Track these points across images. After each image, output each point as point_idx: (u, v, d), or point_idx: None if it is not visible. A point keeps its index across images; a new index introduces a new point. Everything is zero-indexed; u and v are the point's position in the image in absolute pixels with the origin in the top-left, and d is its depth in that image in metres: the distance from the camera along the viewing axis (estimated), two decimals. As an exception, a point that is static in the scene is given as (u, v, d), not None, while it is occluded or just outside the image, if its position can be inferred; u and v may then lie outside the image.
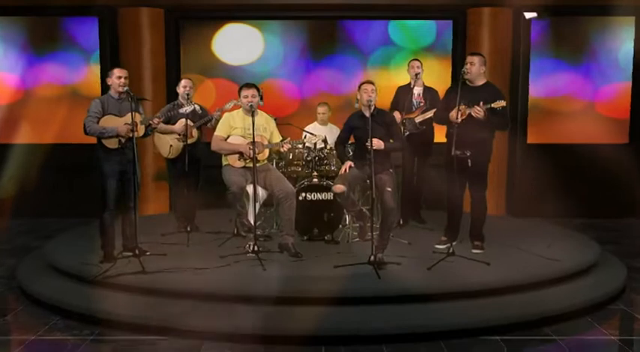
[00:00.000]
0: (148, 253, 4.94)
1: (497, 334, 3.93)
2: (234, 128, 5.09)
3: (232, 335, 3.83)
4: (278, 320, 3.95)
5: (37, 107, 7.63)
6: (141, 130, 4.90)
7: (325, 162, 5.75)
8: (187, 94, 5.74)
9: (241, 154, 5.05)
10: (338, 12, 7.64)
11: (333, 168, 5.75)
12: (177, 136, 5.68)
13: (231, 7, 7.50)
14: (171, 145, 5.74)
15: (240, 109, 5.16)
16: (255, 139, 4.88)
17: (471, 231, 5.20)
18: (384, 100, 5.88)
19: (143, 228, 5.03)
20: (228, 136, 5.10)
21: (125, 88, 4.81)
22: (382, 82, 6.74)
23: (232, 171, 5.03)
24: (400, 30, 7.68)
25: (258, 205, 4.99)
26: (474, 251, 5.08)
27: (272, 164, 5.62)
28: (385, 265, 4.61)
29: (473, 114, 4.81)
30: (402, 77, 6.36)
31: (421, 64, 6.05)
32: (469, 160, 4.81)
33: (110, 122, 4.78)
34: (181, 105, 5.57)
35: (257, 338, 3.80)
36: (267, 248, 5.08)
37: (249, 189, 5.00)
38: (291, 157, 5.92)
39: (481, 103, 4.80)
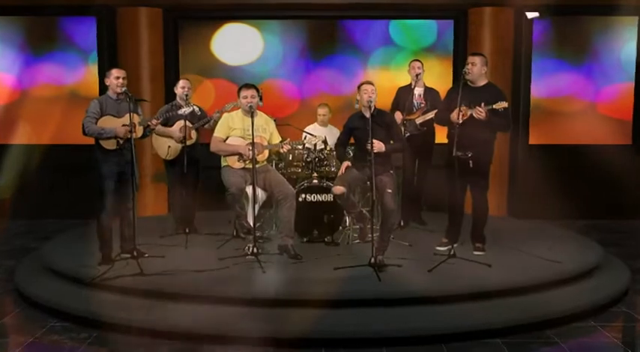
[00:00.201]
0: (146, 255, 4.91)
1: (498, 337, 3.91)
2: (234, 129, 5.06)
3: (231, 337, 3.81)
4: (277, 322, 3.93)
5: (34, 108, 7.60)
6: (139, 131, 4.88)
7: (325, 163, 5.72)
8: (186, 95, 5.71)
9: (240, 155, 5.02)
10: (338, 11, 7.61)
11: (333, 170, 5.72)
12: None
13: (230, 7, 7.48)
14: (169, 146, 5.71)
15: (240, 110, 5.13)
16: (255, 140, 4.85)
17: (472, 232, 5.18)
18: (385, 101, 5.85)
19: (141, 230, 5.00)
20: (228, 137, 5.07)
21: (123, 89, 4.78)
22: (383, 83, 6.74)
23: (231, 173, 4.99)
24: (401, 30, 7.65)
25: (257, 207, 4.97)
26: (476, 253, 5.05)
27: (271, 165, 5.59)
28: (386, 267, 4.59)
29: (474, 115, 4.78)
30: (403, 78, 6.33)
31: (422, 64, 6.02)
32: (470, 161, 4.78)
33: (108, 123, 4.75)
34: (179, 107, 5.54)
35: (256, 341, 3.78)
36: (267, 250, 5.08)
37: (249, 190, 4.97)
38: (290, 158, 5.89)
39: (482, 104, 4.76)
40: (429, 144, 6.08)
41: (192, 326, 3.90)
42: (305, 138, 5.61)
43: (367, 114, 4.80)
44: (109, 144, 4.76)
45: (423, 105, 5.95)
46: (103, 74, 5.12)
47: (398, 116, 5.83)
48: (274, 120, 5.42)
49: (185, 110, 5.39)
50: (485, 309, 4.12)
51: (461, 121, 4.78)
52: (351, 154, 5.26)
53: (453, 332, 3.89)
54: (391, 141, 4.88)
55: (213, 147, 5.07)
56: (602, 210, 7.53)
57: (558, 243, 5.49)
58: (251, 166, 4.85)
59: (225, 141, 5.07)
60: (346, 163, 5.02)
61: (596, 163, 6.99)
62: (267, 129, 5.17)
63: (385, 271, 4.52)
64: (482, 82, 5.01)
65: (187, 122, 5.53)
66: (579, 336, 4.02)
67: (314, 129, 6.09)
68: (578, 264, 4.87)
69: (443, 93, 5.58)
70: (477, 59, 4.95)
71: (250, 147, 4.85)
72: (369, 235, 4.85)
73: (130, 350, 3.79)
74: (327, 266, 4.65)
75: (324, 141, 5.62)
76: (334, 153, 5.52)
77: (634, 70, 7.64)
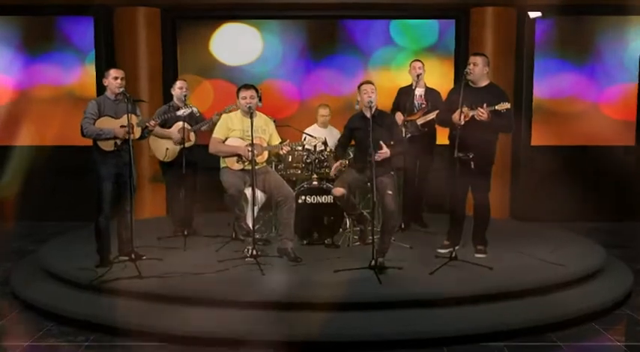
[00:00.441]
0: (144, 257, 4.88)
1: (501, 340, 3.89)
2: (233, 130, 5.03)
3: (231, 340, 3.78)
4: (277, 326, 3.89)
5: (31, 108, 7.57)
6: (137, 132, 4.85)
7: (325, 164, 5.69)
8: (184, 96, 5.67)
9: (240, 156, 4.98)
10: (338, 11, 7.58)
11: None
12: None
13: (229, 7, 7.44)
14: (167, 148, 5.68)
15: (239, 111, 5.09)
16: (254, 141, 4.82)
17: (474, 234, 5.15)
18: (386, 102, 5.82)
19: (139, 232, 5.00)
20: (227, 138, 5.03)
21: (121, 89, 4.74)
22: (383, 83, 6.70)
23: (230, 174, 4.96)
24: (402, 30, 7.61)
25: (256, 208, 4.95)
26: (477, 255, 5.03)
27: (271, 166, 5.56)
28: (386, 270, 4.56)
29: (476, 116, 4.73)
30: (404, 78, 6.30)
31: (423, 65, 5.99)
32: (472, 163, 4.74)
33: (106, 124, 4.72)
34: (177, 107, 5.50)
35: (255, 344, 3.75)
36: (266, 252, 5.06)
37: (248, 191, 4.94)
38: (290, 160, 5.86)
39: (484, 105, 4.72)
40: (430, 145, 6.05)
41: (191, 329, 3.87)
42: (305, 139, 5.57)
43: (368, 115, 4.77)
44: (107, 146, 4.73)
45: (424, 105, 5.91)
46: (100, 74, 5.10)
47: (399, 117, 5.80)
48: (274, 121, 5.38)
49: (184, 111, 5.35)
50: (487, 312, 4.10)
51: (462, 122, 4.73)
52: (352, 155, 5.23)
53: (454, 335, 3.87)
54: (391, 142, 4.85)
55: (212, 148, 5.03)
56: (605, 211, 7.48)
57: (561, 245, 5.46)
58: (250, 167, 4.81)
59: (224, 142, 5.03)
60: (339, 162, 4.99)
61: (600, 164, 6.97)
62: (266, 130, 5.13)
63: (386, 274, 4.49)
64: (484, 83, 4.97)
65: (186, 124, 5.49)
66: (582, 339, 4.00)
67: (314, 130, 6.05)
68: (581, 267, 4.84)
69: (444, 94, 5.55)
70: (478, 59, 4.92)
71: (250, 149, 4.82)
72: (370, 237, 4.82)
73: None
74: (328, 268, 4.62)
75: (324, 143, 5.59)
76: (334, 154, 5.48)
77: (637, 71, 7.59)
